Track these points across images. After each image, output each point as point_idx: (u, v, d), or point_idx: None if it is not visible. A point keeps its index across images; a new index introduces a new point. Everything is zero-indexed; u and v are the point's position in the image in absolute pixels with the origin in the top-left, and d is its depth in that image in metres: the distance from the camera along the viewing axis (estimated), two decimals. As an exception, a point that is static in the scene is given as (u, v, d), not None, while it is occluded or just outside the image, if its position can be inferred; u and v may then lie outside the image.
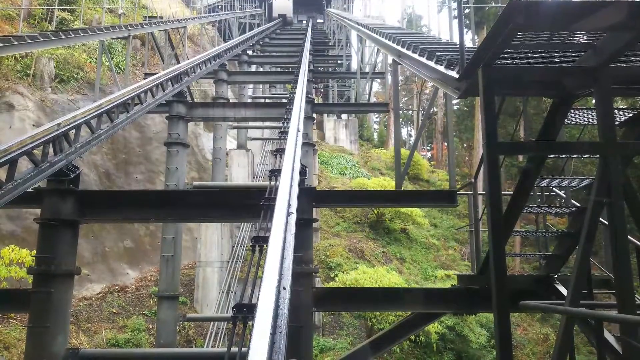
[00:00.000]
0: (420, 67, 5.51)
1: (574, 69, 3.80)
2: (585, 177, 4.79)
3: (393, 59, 6.83)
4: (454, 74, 4.26)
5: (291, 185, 3.56)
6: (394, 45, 6.61)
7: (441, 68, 4.77)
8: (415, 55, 5.78)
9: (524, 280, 5.34)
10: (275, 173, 4.00)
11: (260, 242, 2.70)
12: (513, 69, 3.79)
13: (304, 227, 5.05)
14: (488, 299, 3.79)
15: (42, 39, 10.08)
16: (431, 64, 5.12)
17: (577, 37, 3.57)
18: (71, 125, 5.25)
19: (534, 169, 4.14)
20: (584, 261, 3.36)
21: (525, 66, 3.89)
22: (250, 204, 4.79)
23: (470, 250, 5.71)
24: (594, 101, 4.25)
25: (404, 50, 5.99)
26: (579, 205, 5.01)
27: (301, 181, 4.82)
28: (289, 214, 3.14)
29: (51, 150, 4.94)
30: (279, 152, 4.63)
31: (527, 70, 3.92)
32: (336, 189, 23.41)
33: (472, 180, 5.36)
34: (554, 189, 5.71)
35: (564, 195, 5.63)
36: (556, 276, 4.89)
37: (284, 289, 2.11)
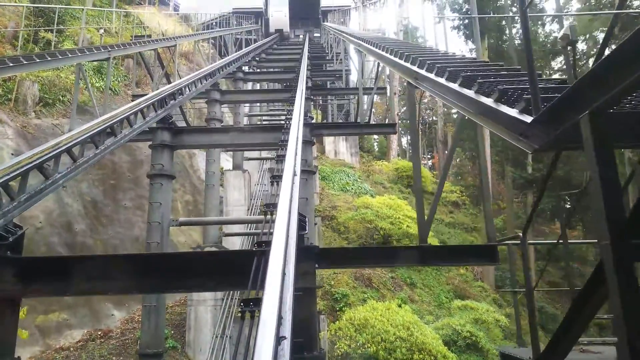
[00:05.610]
0: (451, 95, 4.25)
1: None
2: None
3: (408, 82, 5.66)
4: (522, 116, 2.86)
5: (284, 275, 2.50)
6: (409, 65, 5.40)
7: (498, 106, 3.27)
8: (450, 84, 4.24)
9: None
10: (264, 245, 3.02)
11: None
12: (631, 115, 2.58)
13: (305, 299, 3.98)
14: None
15: (11, 64, 9.11)
16: (483, 99, 3.55)
17: None
18: (13, 175, 4.21)
19: None
20: None
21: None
22: (241, 269, 3.75)
23: (516, 320, 4.57)
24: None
25: (423, 72, 4.68)
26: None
27: (300, 237, 3.81)
28: (279, 319, 2.13)
29: (-17, 209, 3.91)
30: (269, 210, 3.60)
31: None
32: (338, 206, 22.37)
33: (520, 234, 4.27)
34: None
35: None
36: None
37: None
